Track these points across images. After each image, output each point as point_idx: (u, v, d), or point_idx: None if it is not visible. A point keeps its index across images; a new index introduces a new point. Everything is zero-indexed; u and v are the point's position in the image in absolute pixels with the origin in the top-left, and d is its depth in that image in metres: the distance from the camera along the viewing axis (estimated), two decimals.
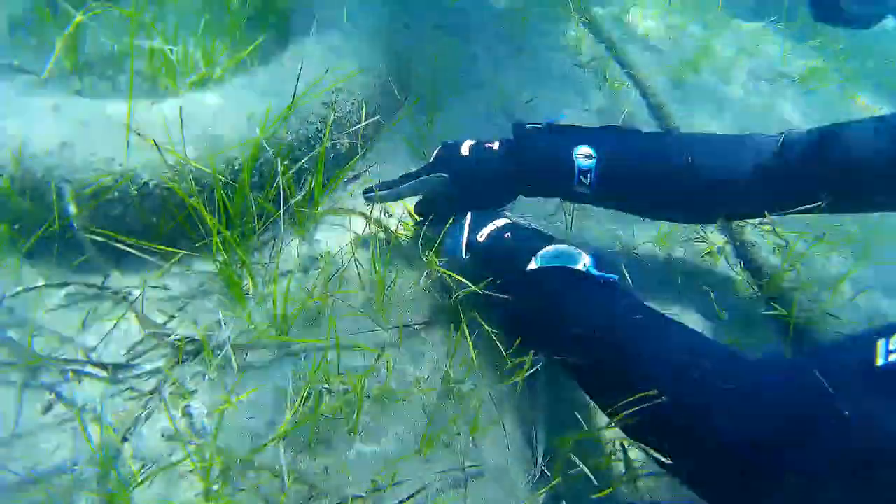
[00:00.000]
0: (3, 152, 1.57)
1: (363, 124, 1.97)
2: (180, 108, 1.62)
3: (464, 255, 1.57)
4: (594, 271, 1.45)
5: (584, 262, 1.48)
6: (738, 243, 2.18)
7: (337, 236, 1.86)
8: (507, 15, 2.81)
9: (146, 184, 1.62)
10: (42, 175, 1.57)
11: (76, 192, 1.58)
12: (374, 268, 1.67)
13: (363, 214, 1.91)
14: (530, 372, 1.45)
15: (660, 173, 1.68)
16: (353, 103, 2.00)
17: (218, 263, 1.61)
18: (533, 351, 1.47)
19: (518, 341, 1.48)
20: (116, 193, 1.61)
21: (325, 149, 1.66)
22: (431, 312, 1.71)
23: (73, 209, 1.56)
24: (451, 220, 1.69)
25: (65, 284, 1.60)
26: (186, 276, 1.69)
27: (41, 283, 1.59)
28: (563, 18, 2.89)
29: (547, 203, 2.08)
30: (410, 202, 1.95)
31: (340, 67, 1.98)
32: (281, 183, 1.60)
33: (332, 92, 1.92)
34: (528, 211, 2.03)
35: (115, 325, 1.54)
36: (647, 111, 2.61)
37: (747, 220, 2.19)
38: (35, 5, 2.08)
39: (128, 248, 1.57)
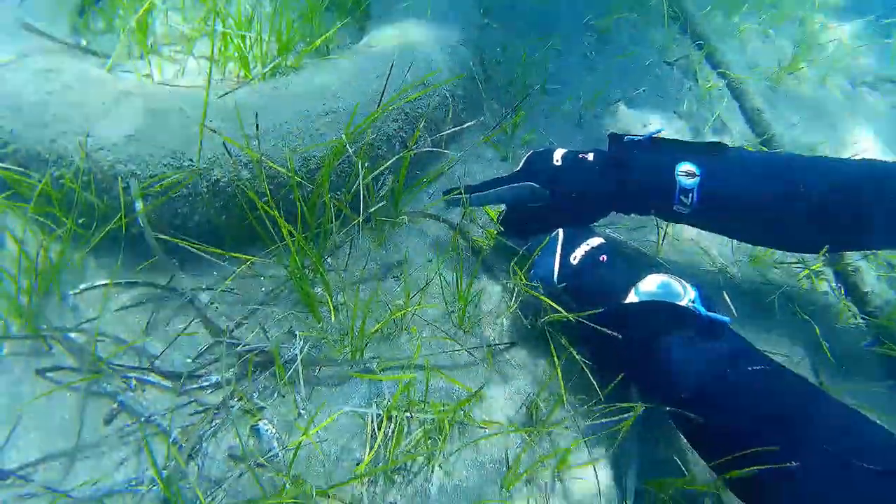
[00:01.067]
0: (69, 143, 1.48)
1: (449, 125, 1.83)
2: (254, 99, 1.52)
3: (556, 280, 1.43)
4: (702, 310, 1.30)
5: (688, 297, 1.32)
6: (838, 268, 1.98)
7: (416, 242, 1.73)
8: (594, 9, 2.63)
9: (217, 181, 1.52)
10: (109, 168, 1.48)
11: (143, 188, 1.48)
12: (458, 282, 1.53)
13: (445, 221, 1.77)
14: (626, 417, 1.30)
15: (767, 199, 1.51)
16: (436, 99, 1.86)
17: (289, 269, 1.51)
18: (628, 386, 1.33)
19: (618, 379, 1.34)
20: (185, 190, 1.51)
21: (409, 151, 1.53)
22: (517, 333, 1.57)
23: (139, 205, 1.47)
24: (542, 237, 1.55)
25: (131, 284, 1.52)
26: (255, 279, 1.59)
27: (106, 281, 1.51)
28: (652, 13, 2.70)
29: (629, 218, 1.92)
30: (493, 209, 1.82)
31: (423, 61, 1.85)
32: (361, 185, 1.47)
33: (415, 87, 1.79)
34: (615, 222, 1.87)
35: (182, 331, 1.45)
36: (742, 116, 2.41)
37: None
38: None
39: (195, 249, 1.47)
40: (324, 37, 1.94)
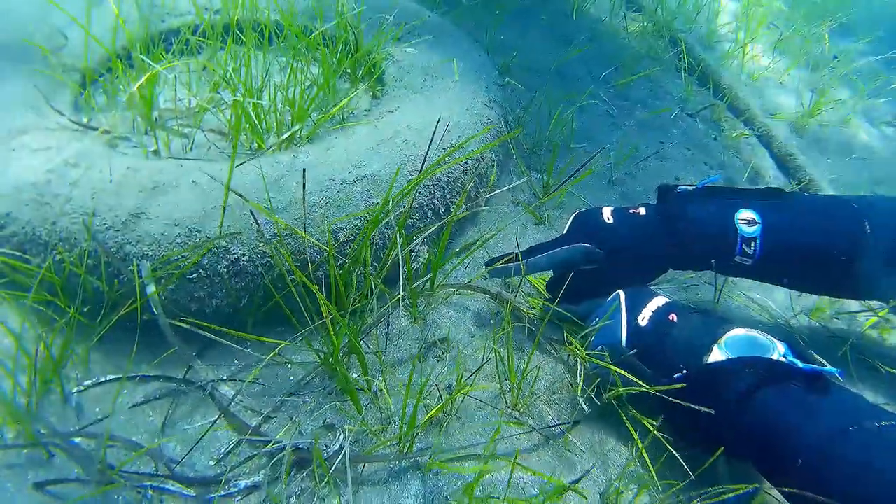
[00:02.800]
0: (72, 223, 1.34)
1: (484, 189, 1.70)
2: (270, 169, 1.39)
3: (624, 344, 1.27)
4: (798, 362, 1.14)
5: (778, 352, 1.17)
6: None
7: (455, 318, 1.57)
8: (609, 65, 2.57)
9: (237, 260, 1.37)
10: (117, 249, 1.33)
11: (156, 270, 1.33)
12: (509, 358, 1.37)
13: (487, 292, 1.62)
14: (733, 499, 1.12)
15: (833, 242, 1.38)
16: (469, 163, 1.74)
17: (321, 354, 1.34)
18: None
19: (716, 454, 1.15)
20: (202, 272, 1.36)
21: (451, 221, 1.39)
22: (578, 410, 1.40)
23: (152, 289, 1.31)
24: (597, 300, 1.41)
25: (143, 378, 1.34)
26: (282, 367, 1.41)
27: (116, 376, 1.33)
28: (668, 66, 2.65)
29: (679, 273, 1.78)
30: (537, 277, 1.67)
31: (452, 125, 1.74)
32: (400, 256, 1.32)
33: (444, 149, 1.67)
34: (662, 283, 1.73)
35: (207, 430, 1.26)
36: (773, 163, 2.32)
37: None
38: (109, 58, 1.89)
39: (214, 336, 1.31)
40: (340, 104, 1.84)
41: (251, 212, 1.30)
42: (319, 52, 1.93)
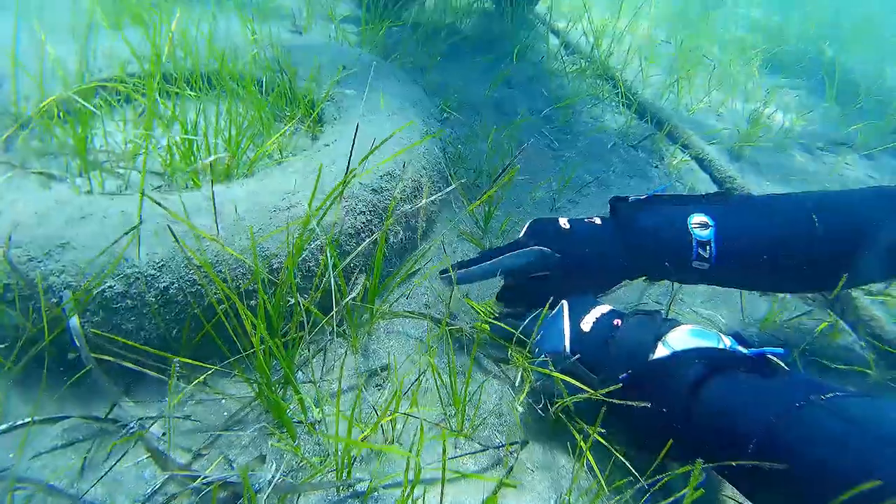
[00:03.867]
0: None
1: (420, 217, 1.69)
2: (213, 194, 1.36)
3: (568, 350, 1.24)
4: (745, 350, 1.13)
5: (723, 343, 1.16)
6: (852, 317, 1.85)
7: (397, 343, 1.53)
8: (549, 102, 2.63)
9: (166, 288, 1.32)
10: (36, 280, 1.27)
11: (79, 301, 1.27)
12: (451, 380, 1.32)
13: (429, 318, 1.58)
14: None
15: (785, 238, 1.39)
16: (404, 189, 1.73)
17: (255, 384, 1.28)
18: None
19: (663, 452, 1.11)
20: (128, 301, 1.30)
21: (383, 240, 1.37)
22: (527, 428, 1.35)
23: (75, 322, 1.25)
24: (543, 310, 1.38)
25: (60, 419, 1.26)
26: (216, 401, 1.35)
27: (30, 419, 1.25)
28: (605, 102, 2.72)
29: (629, 291, 1.77)
30: (478, 301, 1.64)
31: (387, 152, 1.74)
32: (332, 279, 1.29)
33: (381, 177, 1.66)
34: (612, 299, 1.71)
35: (121, 467, 1.18)
36: (714, 186, 2.36)
37: (862, 289, 1.88)
38: (43, 104, 1.86)
39: (141, 368, 1.24)
40: (275, 137, 1.83)
41: (174, 236, 1.26)
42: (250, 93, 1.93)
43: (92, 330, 1.28)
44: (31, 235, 1.31)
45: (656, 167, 2.43)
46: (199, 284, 1.33)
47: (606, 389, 1.15)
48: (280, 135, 1.86)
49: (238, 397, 1.35)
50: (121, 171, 1.80)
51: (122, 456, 1.21)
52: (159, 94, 1.95)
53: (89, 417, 1.26)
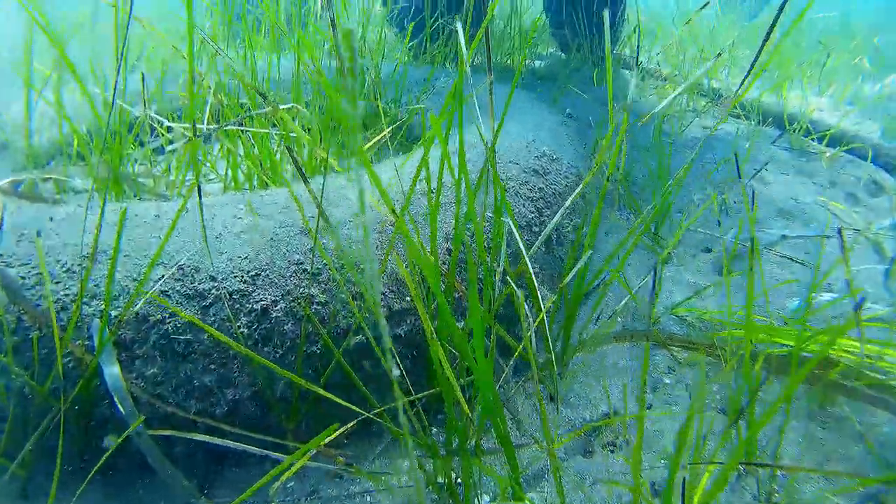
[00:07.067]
0: None
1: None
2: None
3: None
4: None
5: None
6: None
7: (600, 386, 0.98)
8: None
9: (265, 311, 0.80)
10: (51, 309, 0.75)
11: (121, 340, 0.75)
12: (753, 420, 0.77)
13: (655, 339, 1.05)
14: None
15: None
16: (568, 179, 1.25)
17: (422, 461, 0.74)
18: None
19: None
20: (203, 343, 0.78)
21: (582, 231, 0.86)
22: None
23: (115, 370, 0.72)
24: None
25: None
26: (352, 483, 0.79)
27: None
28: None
29: None
30: None
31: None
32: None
33: (536, 157, 1.18)
34: None
35: None
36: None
37: None
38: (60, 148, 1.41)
39: (229, 443, 0.70)
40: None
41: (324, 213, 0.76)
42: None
43: (140, 390, 0.75)
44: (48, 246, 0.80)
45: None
46: (322, 302, 0.81)
47: None
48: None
49: (388, 488, 0.79)
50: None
51: None
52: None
53: None
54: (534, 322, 0.91)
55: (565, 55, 2.78)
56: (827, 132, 2.15)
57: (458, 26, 0.71)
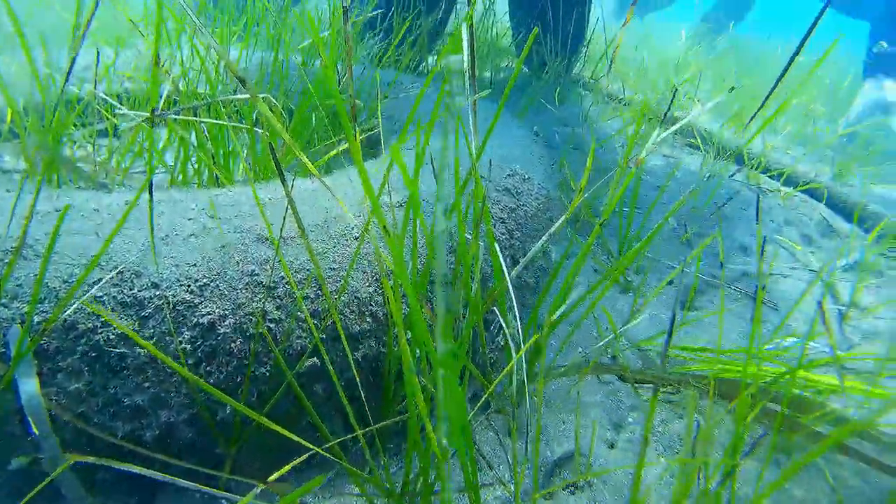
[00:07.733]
0: None
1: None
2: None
3: None
4: None
5: None
6: None
7: (570, 421, 0.94)
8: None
9: (212, 325, 0.72)
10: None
11: (42, 350, 0.66)
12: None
13: (616, 372, 1.01)
14: None
15: None
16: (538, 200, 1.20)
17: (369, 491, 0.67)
18: None
19: None
20: (137, 352, 0.70)
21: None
22: None
23: (32, 390, 0.63)
24: None
25: None
26: None
27: None
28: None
29: None
30: None
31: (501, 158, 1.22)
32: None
33: (507, 176, 1.13)
34: None
35: None
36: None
37: None
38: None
39: (165, 475, 0.63)
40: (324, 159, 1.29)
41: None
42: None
43: (59, 409, 0.66)
44: None
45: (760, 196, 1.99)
46: (276, 320, 0.74)
47: None
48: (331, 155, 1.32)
49: None
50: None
51: None
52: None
53: None
54: (502, 351, 0.86)
55: (528, 70, 2.76)
56: (783, 171, 2.19)
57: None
